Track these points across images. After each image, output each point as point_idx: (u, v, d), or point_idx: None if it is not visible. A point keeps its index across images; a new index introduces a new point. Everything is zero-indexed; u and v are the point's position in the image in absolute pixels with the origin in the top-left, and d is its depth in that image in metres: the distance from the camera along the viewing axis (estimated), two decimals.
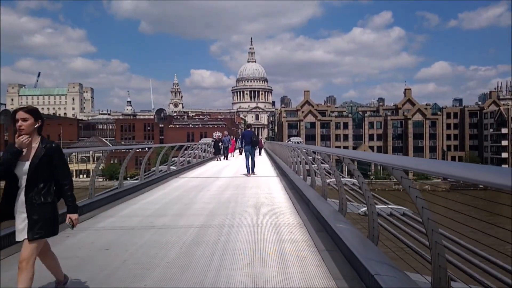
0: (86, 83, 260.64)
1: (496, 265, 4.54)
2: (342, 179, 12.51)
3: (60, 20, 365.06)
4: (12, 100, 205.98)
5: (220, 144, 27.02)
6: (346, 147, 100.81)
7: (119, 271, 4.22)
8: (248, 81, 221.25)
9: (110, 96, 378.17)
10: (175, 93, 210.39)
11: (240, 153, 33.79)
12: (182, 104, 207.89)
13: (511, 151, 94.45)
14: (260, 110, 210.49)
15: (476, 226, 4.81)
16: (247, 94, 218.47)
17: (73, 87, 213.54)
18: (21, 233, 3.35)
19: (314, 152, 10.83)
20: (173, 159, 19.77)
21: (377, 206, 9.46)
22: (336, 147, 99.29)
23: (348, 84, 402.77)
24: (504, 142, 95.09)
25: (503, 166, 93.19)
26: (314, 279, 3.97)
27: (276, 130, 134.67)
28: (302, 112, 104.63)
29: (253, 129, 17.21)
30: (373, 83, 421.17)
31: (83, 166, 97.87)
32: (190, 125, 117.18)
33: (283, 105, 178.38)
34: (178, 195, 10.02)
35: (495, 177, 1.97)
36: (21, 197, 3.34)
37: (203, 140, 43.05)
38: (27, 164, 3.30)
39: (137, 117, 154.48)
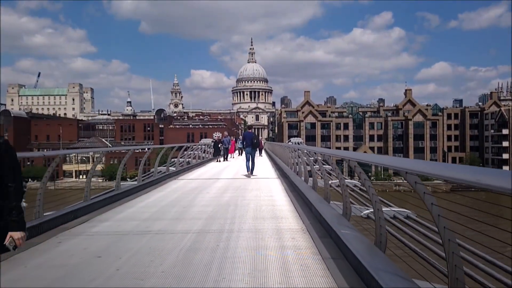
0: (86, 83, 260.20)
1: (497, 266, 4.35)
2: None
3: (61, 20, 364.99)
4: (12, 100, 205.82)
5: (220, 145, 26.73)
6: (346, 148, 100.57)
7: (110, 282, 3.95)
8: (248, 82, 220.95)
9: (110, 97, 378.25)
10: (175, 93, 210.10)
11: (240, 154, 33.54)
12: (182, 104, 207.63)
13: None
14: (260, 110, 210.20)
15: (479, 228, 4.59)
16: (247, 94, 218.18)
17: (73, 87, 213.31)
18: None
19: (317, 154, 10.55)
20: (172, 160, 19.53)
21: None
22: (337, 148, 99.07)
23: (348, 84, 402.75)
24: (505, 143, 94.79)
25: (504, 167, 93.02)
26: None
27: (276, 131, 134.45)
28: (303, 112, 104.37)
29: (254, 131, 17.08)
30: (373, 83, 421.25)
31: (82, 167, 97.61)
32: (190, 126, 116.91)
33: (283, 106, 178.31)
34: (176, 198, 9.76)
35: None
36: None
37: (203, 140, 42.86)
38: None
39: (137, 117, 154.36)
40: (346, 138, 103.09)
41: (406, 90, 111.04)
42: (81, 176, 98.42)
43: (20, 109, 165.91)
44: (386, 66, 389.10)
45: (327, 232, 5.79)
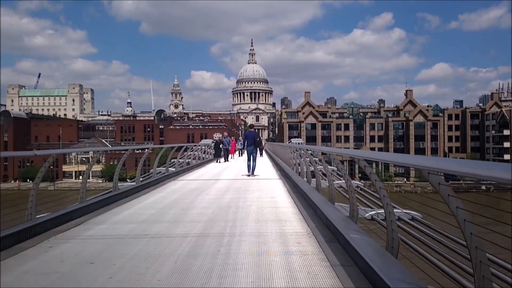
0: (87, 84, 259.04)
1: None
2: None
3: (61, 21, 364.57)
4: (12, 101, 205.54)
5: (220, 145, 26.39)
6: (347, 149, 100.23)
7: None
8: (248, 82, 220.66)
9: (111, 98, 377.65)
10: (176, 94, 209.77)
11: (240, 155, 33.22)
12: (182, 105, 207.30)
13: None
14: (261, 111, 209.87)
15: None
16: (247, 95, 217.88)
17: (73, 88, 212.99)
18: None
19: (323, 154, 10.21)
20: (172, 160, 19.24)
21: (383, 210, 8.91)
22: (337, 148, 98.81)
23: (349, 85, 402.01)
24: (507, 144, 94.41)
25: None
26: None
27: (276, 132, 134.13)
28: (303, 113, 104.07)
29: (255, 130, 16.87)
30: (373, 84, 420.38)
31: (82, 168, 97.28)
32: (190, 126, 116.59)
33: (283, 106, 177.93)
34: (175, 199, 9.43)
35: None
36: None
37: (203, 141, 42.55)
38: None
39: (137, 118, 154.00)
40: (346, 138, 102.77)
41: (406, 90, 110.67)
42: (80, 177, 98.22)
43: (20, 109, 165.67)
44: (387, 67, 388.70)
45: (334, 236, 5.47)
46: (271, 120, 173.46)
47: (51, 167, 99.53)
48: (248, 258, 4.55)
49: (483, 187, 75.25)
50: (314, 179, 11.64)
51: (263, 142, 27.28)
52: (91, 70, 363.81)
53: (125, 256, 4.72)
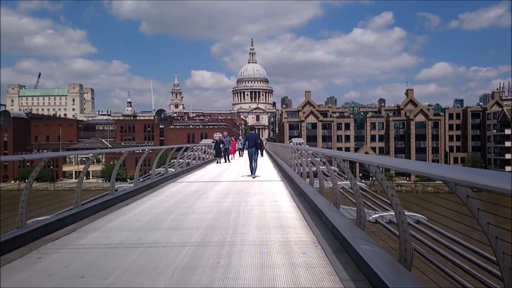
0: (87, 84, 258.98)
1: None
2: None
3: (61, 21, 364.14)
4: (12, 101, 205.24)
5: (221, 145, 25.98)
6: (347, 148, 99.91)
7: None
8: (248, 82, 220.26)
9: (111, 97, 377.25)
10: (176, 94, 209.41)
11: (240, 155, 32.88)
12: (182, 105, 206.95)
13: None
14: (261, 111, 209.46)
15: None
16: (247, 95, 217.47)
17: (73, 88, 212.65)
18: None
19: (328, 157, 9.84)
20: (172, 161, 18.92)
21: (387, 213, 8.57)
22: (338, 148, 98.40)
23: (349, 85, 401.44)
24: (508, 143, 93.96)
25: (506, 168, 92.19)
26: None
27: (277, 131, 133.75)
28: (303, 113, 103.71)
29: (257, 132, 16.73)
30: (374, 83, 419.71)
31: (82, 168, 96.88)
32: (191, 126, 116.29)
33: (284, 106, 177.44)
34: (174, 203, 9.09)
35: None
36: None
37: (203, 141, 42.21)
38: None
39: (137, 118, 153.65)
40: (347, 138, 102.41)
41: (407, 90, 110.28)
42: None
43: (20, 109, 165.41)
44: (387, 66, 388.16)
45: (342, 245, 5.14)
46: (272, 119, 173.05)
47: (51, 167, 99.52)
48: (250, 271, 4.22)
49: None
50: (316, 180, 11.35)
51: (264, 143, 26.96)
52: (91, 70, 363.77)
53: (118, 268, 4.39)
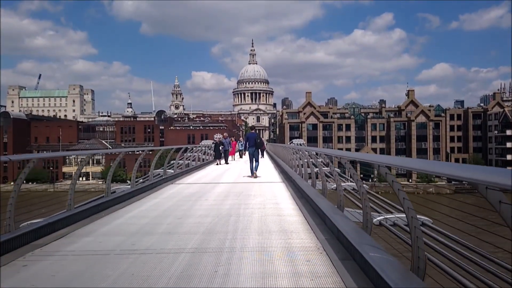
0: (88, 85, 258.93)
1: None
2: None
3: (62, 22, 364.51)
4: (13, 102, 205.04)
5: (220, 147, 25.58)
6: (348, 149, 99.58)
7: None
8: (249, 83, 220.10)
9: (112, 98, 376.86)
10: (176, 95, 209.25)
11: (241, 156, 32.56)
12: (183, 106, 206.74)
13: None
14: (261, 112, 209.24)
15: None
16: (248, 96, 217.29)
17: (74, 89, 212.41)
18: None
19: (333, 157, 9.51)
20: (172, 162, 18.63)
21: (391, 215, 8.24)
22: (339, 149, 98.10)
23: (349, 85, 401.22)
24: (509, 144, 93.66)
25: (508, 169, 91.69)
26: None
27: (277, 132, 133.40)
28: (304, 113, 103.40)
29: (257, 131, 16.61)
30: (374, 84, 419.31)
31: (82, 169, 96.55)
32: (191, 127, 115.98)
33: (284, 107, 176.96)
34: (171, 206, 8.76)
35: None
36: None
37: (204, 142, 41.88)
38: None
39: (138, 119, 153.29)
40: (348, 139, 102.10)
41: (408, 90, 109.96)
42: (80, 178, 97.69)
43: (20, 110, 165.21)
44: (387, 67, 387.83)
45: (348, 251, 4.81)
46: (272, 120, 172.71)
47: (51, 168, 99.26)
48: (251, 281, 3.89)
49: None
50: (318, 181, 11.03)
51: (264, 143, 26.67)
52: (91, 71, 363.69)
53: (107, 278, 4.06)
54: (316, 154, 11.80)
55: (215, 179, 15.26)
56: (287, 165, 18.67)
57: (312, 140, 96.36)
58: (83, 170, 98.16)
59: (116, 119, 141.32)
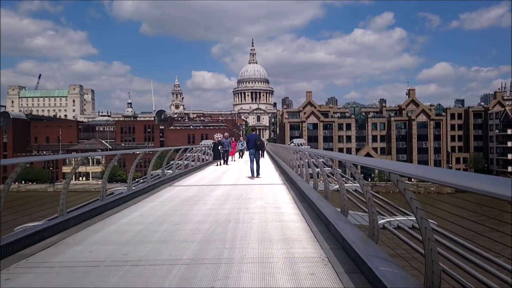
0: (88, 85, 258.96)
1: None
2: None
3: (62, 22, 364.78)
4: (13, 102, 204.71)
5: (219, 147, 25.16)
6: (349, 149, 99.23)
7: None
8: (249, 83, 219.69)
9: (112, 98, 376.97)
10: (176, 94, 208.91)
11: (240, 156, 32.22)
12: (183, 105, 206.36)
13: None
14: (262, 111, 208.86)
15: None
16: (248, 95, 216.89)
17: (74, 89, 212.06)
18: None
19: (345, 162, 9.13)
20: (171, 162, 18.33)
21: (394, 218, 7.91)
22: (339, 148, 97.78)
23: (350, 85, 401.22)
24: (510, 143, 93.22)
25: (509, 168, 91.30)
26: None
27: (277, 132, 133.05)
28: (304, 113, 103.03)
29: (257, 133, 16.44)
30: (374, 84, 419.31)
31: (82, 169, 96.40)
32: (191, 127, 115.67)
33: (284, 106, 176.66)
34: (168, 210, 8.43)
35: None
36: None
37: (204, 142, 41.52)
38: None
39: (138, 119, 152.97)
40: (348, 138, 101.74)
41: (409, 90, 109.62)
42: (80, 178, 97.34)
43: (20, 110, 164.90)
44: (387, 66, 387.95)
45: (355, 263, 4.47)
46: (272, 120, 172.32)
47: (51, 168, 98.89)
48: None
49: None
50: (321, 183, 10.70)
51: (265, 144, 26.33)
52: (91, 71, 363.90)
53: None
54: (317, 155, 11.44)
55: (214, 181, 14.93)
56: (288, 165, 18.35)
57: (312, 140, 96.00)
58: (84, 170, 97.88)
59: (116, 119, 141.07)
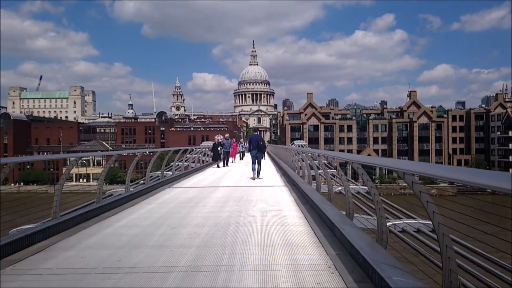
0: (89, 86, 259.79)
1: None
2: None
3: (63, 24, 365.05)
4: (14, 103, 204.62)
5: (219, 148, 24.79)
6: (350, 151, 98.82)
7: None
8: (250, 84, 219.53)
9: (113, 100, 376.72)
10: (177, 96, 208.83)
11: (241, 158, 31.93)
12: (184, 107, 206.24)
13: None
14: (262, 113, 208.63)
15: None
16: (249, 97, 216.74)
17: (75, 90, 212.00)
18: None
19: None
20: (170, 163, 18.05)
21: (400, 221, 7.60)
22: (340, 150, 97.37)
23: (350, 87, 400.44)
24: None
25: (510, 170, 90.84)
26: None
27: (278, 133, 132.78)
28: (305, 114, 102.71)
29: (259, 134, 16.30)
30: (375, 86, 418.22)
31: (83, 170, 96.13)
32: (192, 128, 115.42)
33: (285, 108, 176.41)
34: (166, 213, 8.13)
35: None
36: None
37: (204, 143, 41.22)
38: None
39: (139, 120, 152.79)
40: (349, 140, 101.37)
41: (410, 91, 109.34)
42: (81, 180, 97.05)
43: (21, 112, 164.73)
44: (388, 68, 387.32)
45: (365, 272, 4.17)
46: (273, 121, 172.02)
47: (51, 169, 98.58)
48: None
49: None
50: (323, 185, 10.41)
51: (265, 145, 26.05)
52: (93, 72, 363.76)
53: None
54: (319, 156, 11.13)
55: (214, 183, 14.64)
56: (289, 167, 18.05)
57: (313, 141, 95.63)
58: (84, 172, 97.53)
59: (117, 120, 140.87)
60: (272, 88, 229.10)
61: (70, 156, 10.63)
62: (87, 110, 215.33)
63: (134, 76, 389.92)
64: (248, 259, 4.71)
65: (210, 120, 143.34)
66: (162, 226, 6.76)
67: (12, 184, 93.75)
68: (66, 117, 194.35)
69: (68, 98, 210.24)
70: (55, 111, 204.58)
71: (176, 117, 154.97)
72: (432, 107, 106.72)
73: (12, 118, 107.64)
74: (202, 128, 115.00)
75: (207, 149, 28.68)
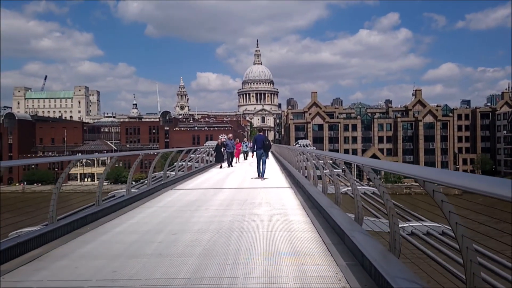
0: (94, 86, 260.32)
1: None
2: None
3: (68, 24, 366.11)
4: (19, 103, 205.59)
5: (223, 149, 24.36)
6: (355, 150, 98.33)
7: None
8: (254, 84, 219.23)
9: (117, 100, 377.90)
10: (181, 96, 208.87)
11: (245, 158, 31.60)
12: (188, 106, 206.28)
13: None
14: (266, 112, 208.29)
15: None
16: (253, 96, 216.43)
17: (79, 90, 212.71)
18: None
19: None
20: (174, 164, 17.79)
21: (407, 224, 7.26)
22: (345, 149, 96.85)
23: (355, 86, 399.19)
24: None
25: None
26: None
27: (282, 133, 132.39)
28: (310, 114, 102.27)
29: (265, 134, 16.17)
30: (380, 84, 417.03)
31: (88, 170, 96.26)
32: (196, 128, 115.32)
33: (289, 107, 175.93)
34: (166, 217, 7.82)
35: None
36: None
37: (208, 143, 40.93)
38: None
39: (143, 120, 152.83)
40: (354, 139, 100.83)
41: (415, 90, 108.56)
42: (86, 179, 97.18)
43: (26, 112, 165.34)
44: (393, 67, 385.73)
45: (378, 285, 3.85)
46: (277, 121, 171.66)
47: (56, 169, 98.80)
48: None
49: None
50: (330, 186, 10.08)
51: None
52: (97, 73, 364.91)
53: None
54: (329, 158, 10.80)
55: (218, 184, 14.34)
56: (294, 167, 17.72)
57: (318, 141, 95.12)
58: (89, 171, 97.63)
59: (121, 120, 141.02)
60: (276, 87, 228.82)
61: (67, 158, 10.37)
62: (92, 110, 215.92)
63: (138, 76, 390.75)
64: (252, 270, 4.39)
65: (214, 119, 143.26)
66: (162, 232, 6.45)
67: (17, 184, 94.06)
68: (71, 117, 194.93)
69: (72, 98, 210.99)
70: (59, 111, 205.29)
71: (180, 116, 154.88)
72: (437, 106, 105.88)
73: (17, 118, 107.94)
74: (206, 128, 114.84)
75: (211, 149, 28.38)
